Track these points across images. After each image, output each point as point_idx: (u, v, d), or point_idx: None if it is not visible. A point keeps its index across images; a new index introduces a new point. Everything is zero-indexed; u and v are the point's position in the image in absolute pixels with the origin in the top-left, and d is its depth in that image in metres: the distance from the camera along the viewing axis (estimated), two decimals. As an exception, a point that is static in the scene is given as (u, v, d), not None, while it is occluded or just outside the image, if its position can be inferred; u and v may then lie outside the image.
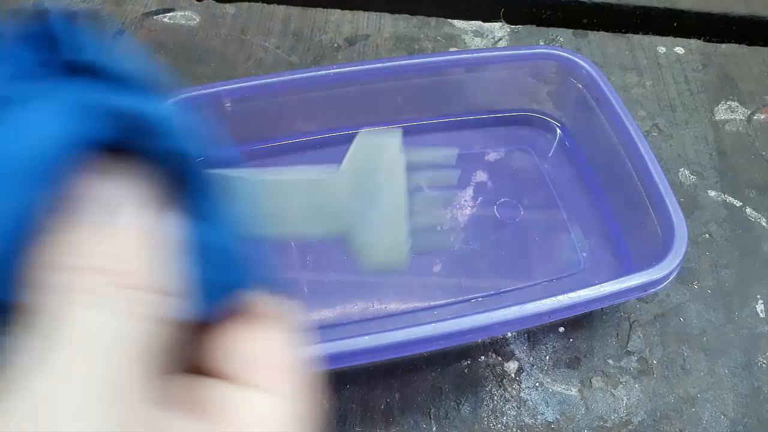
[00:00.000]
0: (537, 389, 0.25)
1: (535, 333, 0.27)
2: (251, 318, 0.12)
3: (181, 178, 0.11)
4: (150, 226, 0.10)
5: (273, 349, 0.12)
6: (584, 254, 0.28)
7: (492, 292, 0.27)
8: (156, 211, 0.10)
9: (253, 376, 0.11)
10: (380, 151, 0.13)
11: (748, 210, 0.31)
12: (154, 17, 0.38)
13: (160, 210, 0.11)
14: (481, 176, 0.31)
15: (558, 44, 0.37)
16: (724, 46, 0.38)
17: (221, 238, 0.11)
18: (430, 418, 0.24)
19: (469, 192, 0.30)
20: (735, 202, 0.31)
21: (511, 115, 0.33)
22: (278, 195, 0.13)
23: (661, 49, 0.38)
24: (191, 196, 0.11)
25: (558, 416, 0.25)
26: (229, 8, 0.38)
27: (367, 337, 0.21)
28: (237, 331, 0.12)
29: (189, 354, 0.12)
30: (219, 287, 0.11)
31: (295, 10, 0.39)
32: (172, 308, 0.10)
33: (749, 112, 0.35)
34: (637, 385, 0.26)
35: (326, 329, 0.26)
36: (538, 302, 0.22)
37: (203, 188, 0.11)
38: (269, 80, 0.28)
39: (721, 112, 0.35)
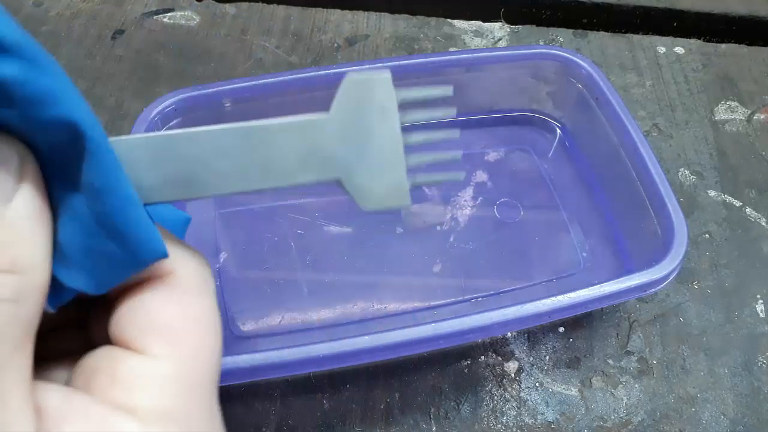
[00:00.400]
0: (537, 389, 0.25)
1: (535, 333, 0.27)
2: (152, 282, 0.12)
3: (65, 147, 0.11)
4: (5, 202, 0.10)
5: (166, 313, 0.12)
6: (584, 254, 0.28)
7: (492, 292, 0.27)
8: (21, 185, 0.10)
9: (145, 340, 0.11)
10: (370, 90, 0.13)
11: (748, 210, 0.31)
12: (154, 17, 0.38)
13: (31, 183, 0.10)
14: (480, 176, 0.31)
15: (558, 44, 0.37)
16: (724, 46, 0.38)
17: (111, 208, 0.11)
18: (430, 418, 0.24)
19: (469, 192, 0.30)
20: (735, 202, 0.31)
21: (510, 115, 0.33)
22: (265, 143, 0.12)
23: (661, 49, 0.38)
24: (78, 166, 0.11)
25: (558, 416, 0.25)
26: (229, 8, 0.38)
27: (366, 337, 0.21)
28: (135, 298, 0.12)
29: (106, 325, 0.12)
30: (115, 258, 0.11)
31: (295, 10, 0.39)
32: (34, 288, 0.10)
33: (749, 112, 0.35)
34: (637, 385, 0.26)
35: (326, 329, 0.26)
36: (538, 302, 0.22)
37: (94, 157, 0.11)
38: (269, 80, 0.28)
39: (721, 112, 0.35)
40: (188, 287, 0.12)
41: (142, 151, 0.12)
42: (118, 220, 0.11)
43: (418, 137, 0.13)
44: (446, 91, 0.14)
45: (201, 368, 0.12)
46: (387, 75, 0.13)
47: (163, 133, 0.13)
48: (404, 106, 0.13)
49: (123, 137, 0.12)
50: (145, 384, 0.11)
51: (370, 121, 0.13)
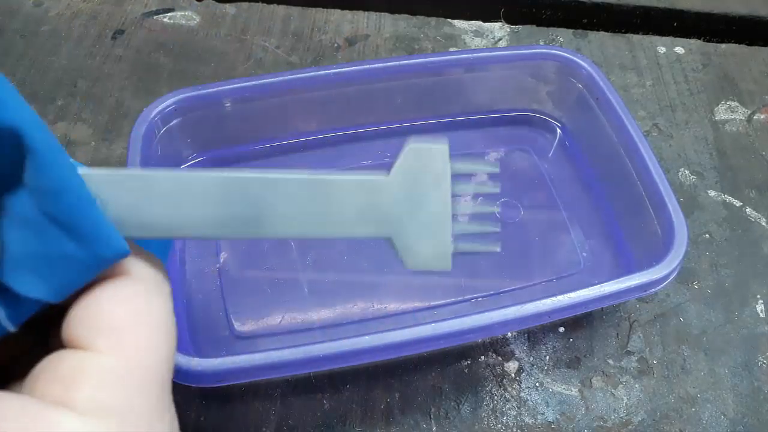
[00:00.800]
0: (537, 389, 0.25)
1: (535, 333, 0.27)
2: (105, 283, 0.12)
3: (6, 152, 0.11)
4: None
5: (115, 311, 0.12)
6: (584, 254, 0.28)
7: (492, 292, 0.27)
8: None
9: (91, 338, 0.11)
10: (428, 158, 0.14)
11: (748, 210, 0.31)
12: (154, 17, 0.38)
13: None
14: (480, 176, 0.31)
15: (558, 44, 0.37)
16: (724, 46, 0.38)
17: (68, 208, 0.11)
18: (430, 418, 0.24)
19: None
20: (735, 202, 0.31)
21: (510, 115, 0.33)
22: (329, 196, 0.13)
23: (661, 49, 0.38)
24: (22, 170, 0.11)
25: (558, 416, 0.25)
26: (229, 8, 0.38)
27: (366, 337, 0.21)
28: (87, 298, 0.12)
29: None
30: (75, 259, 0.11)
31: (295, 10, 0.39)
32: None
33: (749, 112, 0.35)
34: (637, 385, 0.26)
35: (326, 329, 0.26)
36: (538, 302, 0.22)
37: (40, 159, 0.11)
38: (269, 80, 0.28)
39: (721, 112, 0.35)
40: (142, 288, 0.12)
41: (213, 188, 0.13)
42: (76, 220, 0.11)
43: (465, 208, 0.15)
44: (494, 167, 0.16)
45: (148, 366, 0.12)
46: (445, 147, 0.14)
47: (236, 174, 0.13)
48: (456, 176, 0.14)
49: (197, 173, 0.13)
50: (85, 378, 0.11)
51: (425, 187, 0.14)
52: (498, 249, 0.15)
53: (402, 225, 0.14)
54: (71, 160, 0.12)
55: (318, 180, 0.13)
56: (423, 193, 0.14)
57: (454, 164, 0.14)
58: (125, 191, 0.12)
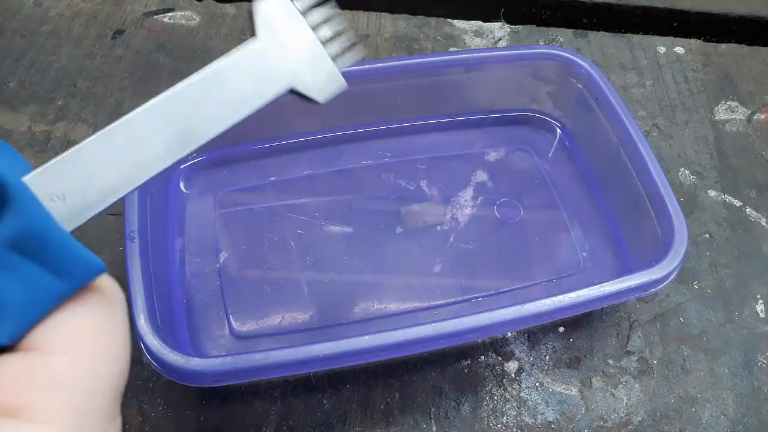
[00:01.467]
0: (537, 389, 0.25)
1: (535, 333, 0.27)
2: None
3: None
4: None
5: (69, 319, 0.12)
6: (584, 254, 0.28)
7: (492, 292, 0.27)
8: None
9: (41, 343, 0.11)
10: (277, 7, 0.16)
11: (748, 210, 0.31)
12: (154, 17, 0.38)
13: None
14: (480, 176, 0.31)
15: (558, 44, 0.37)
16: (724, 46, 0.38)
17: (39, 232, 0.11)
18: (430, 418, 0.24)
19: (469, 192, 0.30)
20: (735, 202, 0.31)
21: (511, 115, 0.33)
22: (224, 83, 0.15)
23: (661, 49, 0.37)
24: None
25: (558, 416, 0.25)
26: (229, 8, 0.38)
27: (366, 337, 0.21)
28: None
29: None
30: (43, 286, 0.11)
31: (295, 10, 0.38)
32: None
33: (749, 112, 0.35)
34: (637, 385, 0.26)
35: (326, 329, 0.26)
36: (538, 302, 0.22)
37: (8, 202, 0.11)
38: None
39: (721, 112, 0.35)
40: (104, 300, 0.12)
41: (139, 126, 0.14)
42: (52, 255, 0.11)
43: (325, 32, 0.16)
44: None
45: (103, 375, 0.11)
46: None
47: (147, 105, 0.14)
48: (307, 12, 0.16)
49: (116, 123, 0.14)
50: (30, 383, 0.10)
51: (288, 30, 0.16)
52: (362, 55, 0.17)
53: (293, 71, 0.15)
54: (26, 176, 0.12)
55: (211, 73, 0.15)
56: (290, 36, 0.15)
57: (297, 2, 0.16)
58: (74, 174, 0.13)
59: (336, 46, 0.16)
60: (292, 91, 0.16)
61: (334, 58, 0.16)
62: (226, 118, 0.15)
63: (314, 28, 0.16)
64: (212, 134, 0.15)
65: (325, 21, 0.16)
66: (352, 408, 0.24)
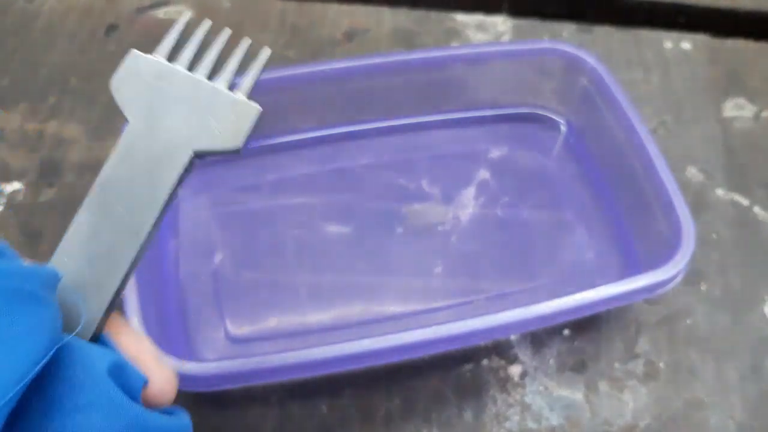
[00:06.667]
0: (541, 394, 0.25)
1: (539, 336, 0.26)
2: None
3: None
4: None
5: None
6: (590, 255, 0.28)
7: (495, 294, 0.26)
8: None
9: None
10: (137, 71, 0.14)
11: (757, 209, 0.31)
12: (149, 12, 0.37)
13: None
14: (483, 174, 0.31)
15: (562, 39, 0.37)
16: (731, 41, 0.37)
17: None
18: (432, 423, 0.24)
19: (471, 191, 0.30)
20: (743, 201, 0.31)
21: (514, 112, 0.32)
22: (121, 192, 0.13)
23: (668, 45, 0.37)
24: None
25: (563, 421, 0.24)
26: (224, 2, 0.38)
27: (366, 341, 0.21)
28: None
29: None
30: None
31: (292, 4, 0.38)
32: None
33: (757, 110, 0.34)
34: (643, 389, 0.25)
35: (324, 332, 0.25)
36: (543, 304, 0.21)
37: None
38: (266, 76, 0.27)
39: (729, 110, 0.34)
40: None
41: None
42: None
43: (208, 62, 0.14)
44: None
45: None
46: (133, 55, 0.14)
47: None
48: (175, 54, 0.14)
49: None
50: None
51: (163, 94, 0.14)
52: (268, 52, 0.15)
53: (188, 136, 0.13)
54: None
55: (100, 188, 0.13)
56: (167, 97, 0.14)
57: (160, 50, 0.14)
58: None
59: (229, 70, 0.14)
60: (199, 156, 0.14)
61: (231, 87, 0.14)
62: (142, 226, 0.13)
63: (192, 66, 0.14)
64: (141, 243, 0.13)
65: (201, 48, 0.14)
66: (352, 414, 0.24)
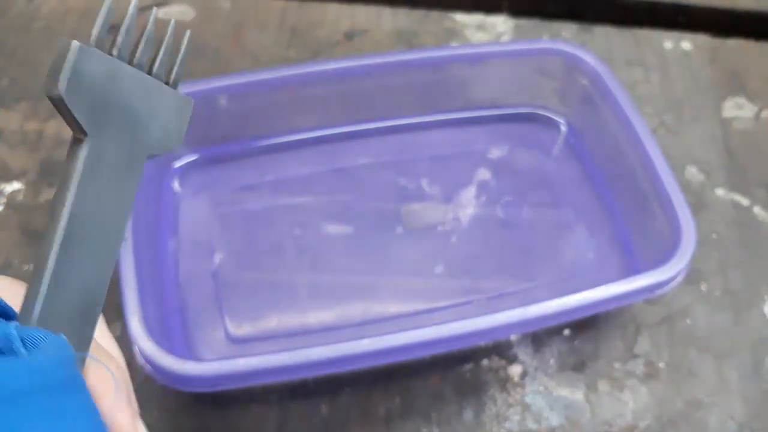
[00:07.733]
0: (541, 393, 0.25)
1: (539, 336, 0.26)
2: None
3: None
4: None
5: None
6: (590, 255, 0.28)
7: (495, 294, 0.26)
8: None
9: None
10: (89, 82, 0.12)
11: (757, 209, 0.31)
12: (149, 12, 0.37)
13: None
14: (483, 174, 0.30)
15: (562, 39, 0.37)
16: (731, 41, 0.37)
17: None
18: (432, 423, 0.24)
19: (472, 191, 0.30)
20: (743, 201, 0.31)
21: (514, 112, 0.32)
22: (91, 206, 0.12)
23: (668, 45, 0.37)
24: None
25: (563, 421, 0.24)
26: (225, 2, 0.38)
27: (366, 341, 0.21)
28: None
29: None
30: None
31: (292, 4, 0.38)
32: None
33: (757, 109, 0.34)
34: (643, 389, 0.25)
35: (324, 332, 0.25)
36: (543, 304, 0.22)
37: None
38: (266, 76, 0.28)
39: (729, 109, 0.34)
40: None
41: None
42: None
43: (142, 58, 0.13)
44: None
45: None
46: (76, 49, 0.12)
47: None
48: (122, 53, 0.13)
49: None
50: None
51: (114, 96, 0.12)
52: (187, 37, 0.14)
53: (143, 139, 0.12)
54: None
55: (67, 219, 0.12)
56: (119, 98, 0.12)
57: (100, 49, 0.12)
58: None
59: (165, 61, 0.13)
60: (151, 156, 0.13)
61: (168, 80, 0.13)
62: (114, 246, 0.12)
63: (131, 58, 0.13)
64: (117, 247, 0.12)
65: (143, 39, 0.13)
66: (352, 413, 0.24)
